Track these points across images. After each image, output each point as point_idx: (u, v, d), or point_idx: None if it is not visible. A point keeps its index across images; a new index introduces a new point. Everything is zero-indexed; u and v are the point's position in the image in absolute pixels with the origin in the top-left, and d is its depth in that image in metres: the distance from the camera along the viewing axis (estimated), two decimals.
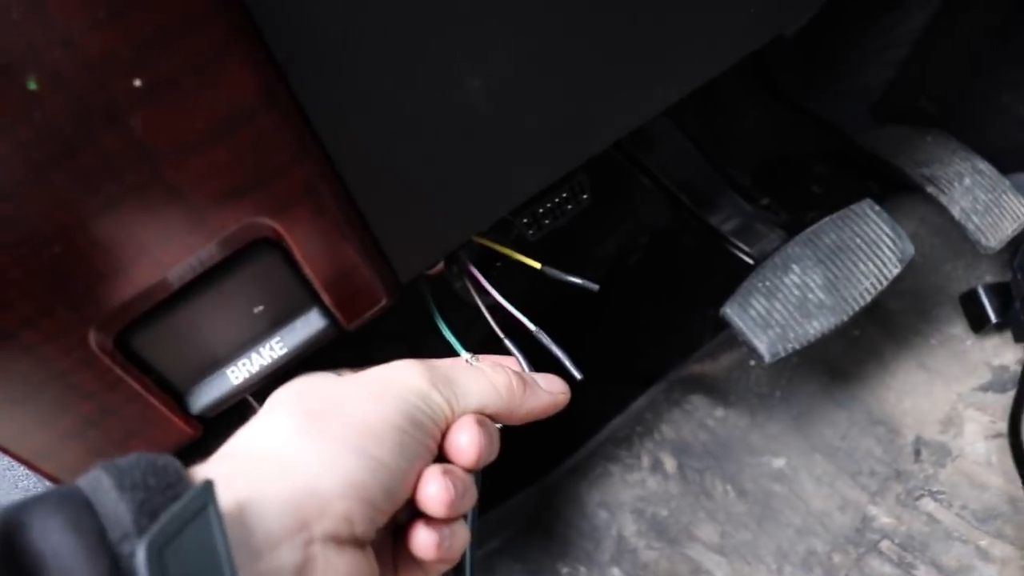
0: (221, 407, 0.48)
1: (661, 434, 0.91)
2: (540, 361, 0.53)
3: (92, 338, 0.40)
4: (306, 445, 0.38)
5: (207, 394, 0.47)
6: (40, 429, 0.43)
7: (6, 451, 0.43)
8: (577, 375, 0.52)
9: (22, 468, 0.55)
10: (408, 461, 0.40)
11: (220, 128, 0.36)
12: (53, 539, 0.28)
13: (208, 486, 0.30)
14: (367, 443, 0.39)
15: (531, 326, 0.53)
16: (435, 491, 0.40)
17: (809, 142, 1.06)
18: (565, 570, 0.85)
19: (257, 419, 0.41)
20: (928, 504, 0.82)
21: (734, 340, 0.96)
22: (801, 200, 1.04)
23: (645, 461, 0.89)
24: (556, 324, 0.57)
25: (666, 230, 1.04)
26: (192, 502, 0.29)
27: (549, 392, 0.49)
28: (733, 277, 0.77)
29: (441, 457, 0.43)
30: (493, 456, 0.44)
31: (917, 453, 0.86)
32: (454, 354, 0.54)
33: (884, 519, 0.82)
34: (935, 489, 0.83)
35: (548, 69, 0.46)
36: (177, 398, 0.47)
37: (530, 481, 0.91)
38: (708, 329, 0.98)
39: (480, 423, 0.44)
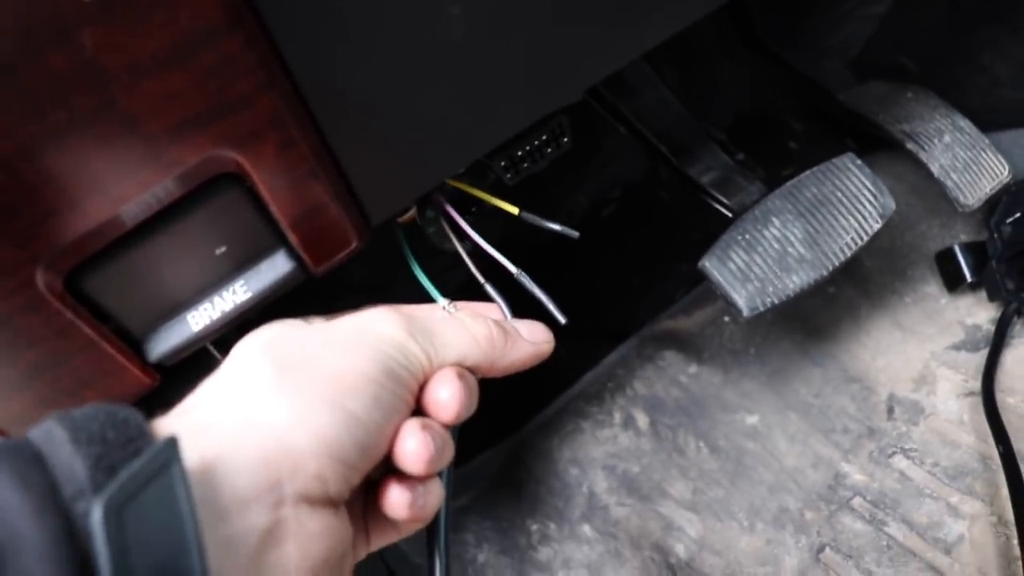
0: (181, 355, 0.45)
1: (633, 390, 0.89)
2: (520, 309, 0.51)
3: (40, 278, 0.37)
4: (277, 399, 0.36)
5: (166, 341, 0.44)
6: None
7: None
8: (561, 319, 0.50)
9: None
10: (384, 415, 0.38)
11: (180, 49, 0.33)
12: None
13: (172, 442, 0.28)
14: (341, 397, 0.36)
15: (512, 268, 0.51)
16: (413, 447, 0.38)
17: (787, 97, 1.04)
18: (535, 527, 0.83)
19: (223, 370, 0.39)
20: (900, 461, 0.82)
21: (708, 296, 0.95)
22: (777, 156, 1.02)
23: (617, 417, 0.88)
24: (530, 275, 0.55)
25: (640, 184, 1.02)
26: (155, 459, 0.27)
27: (532, 342, 0.47)
28: (707, 233, 0.75)
29: (417, 411, 0.41)
30: (472, 410, 0.42)
31: (890, 411, 0.85)
32: (426, 303, 0.51)
33: (856, 476, 0.82)
34: (907, 447, 0.83)
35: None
36: (133, 345, 0.44)
37: (500, 437, 0.89)
38: (682, 285, 0.96)
39: (460, 376, 0.41)
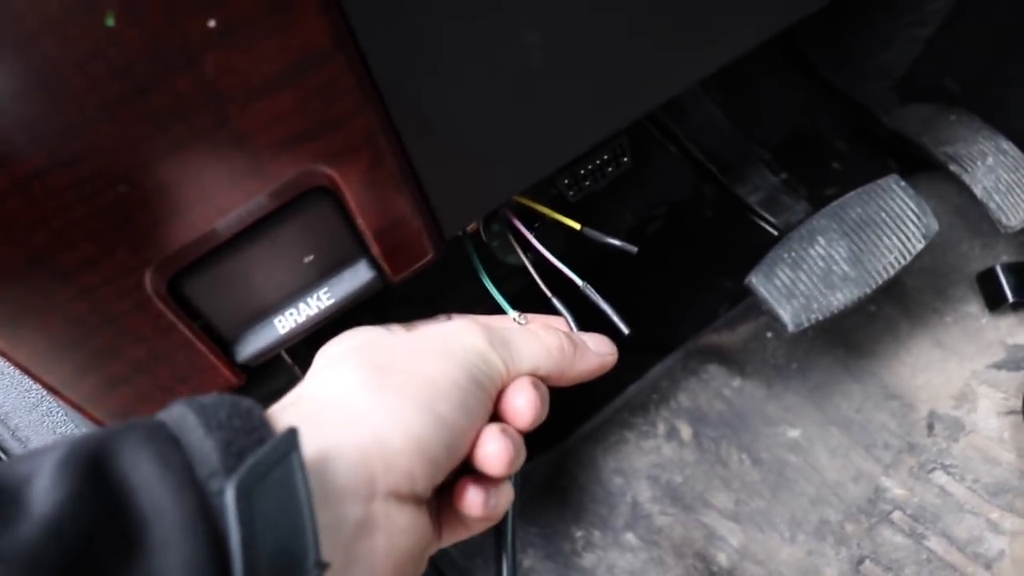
0: (266, 356, 0.48)
1: (677, 402, 0.91)
2: (582, 318, 0.53)
3: (148, 281, 0.40)
4: (373, 398, 0.38)
5: (253, 343, 0.47)
6: (90, 374, 0.43)
7: (58, 394, 0.43)
8: (625, 330, 0.53)
9: (61, 415, 0.55)
10: (469, 420, 0.40)
11: (289, 73, 0.36)
12: (142, 470, 0.28)
13: (293, 433, 0.31)
14: (432, 400, 0.39)
15: (578, 281, 0.54)
16: (495, 450, 0.41)
17: (831, 118, 1.06)
18: (579, 534, 0.85)
19: (319, 370, 0.42)
20: (940, 477, 0.83)
21: (751, 312, 0.97)
22: (821, 176, 1.04)
23: (661, 428, 0.90)
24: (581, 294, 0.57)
25: (684, 202, 1.04)
26: (278, 447, 0.30)
27: (598, 353, 0.49)
28: (750, 250, 0.77)
29: (494, 417, 0.44)
30: (544, 417, 0.45)
31: (930, 427, 0.87)
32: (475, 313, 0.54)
33: (897, 491, 0.83)
34: (948, 463, 0.84)
35: (602, 28, 0.46)
36: (223, 346, 0.47)
37: (545, 447, 0.91)
38: (725, 300, 0.98)
39: (535, 385, 0.44)
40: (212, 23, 0.33)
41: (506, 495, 0.44)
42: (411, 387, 0.39)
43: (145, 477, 0.28)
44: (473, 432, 0.41)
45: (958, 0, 0.95)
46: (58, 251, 0.37)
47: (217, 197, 0.39)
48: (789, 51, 1.04)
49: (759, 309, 0.92)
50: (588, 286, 0.54)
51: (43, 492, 0.27)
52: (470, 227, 0.60)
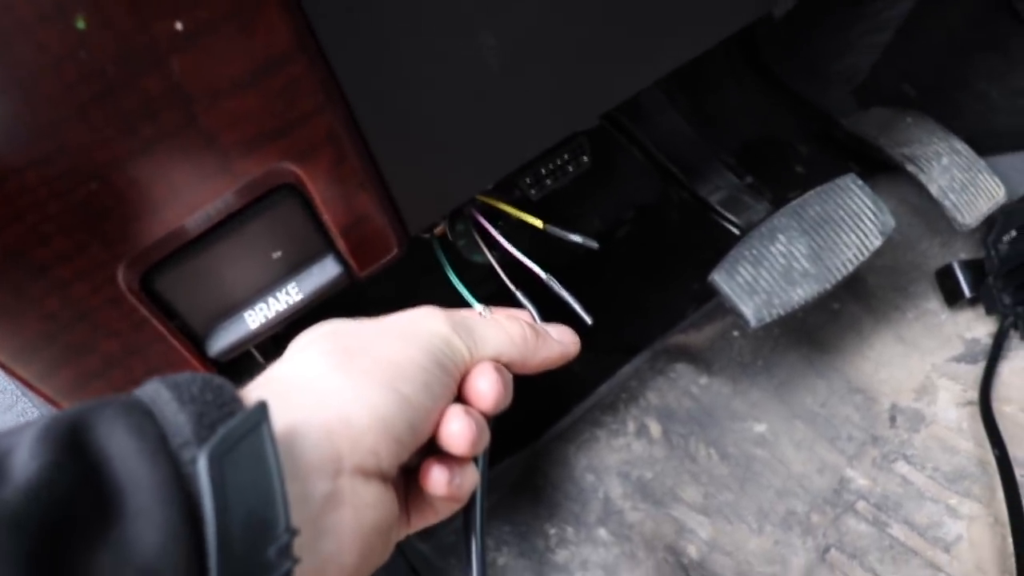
0: (237, 351, 0.49)
1: (646, 400, 0.93)
2: (547, 314, 0.55)
3: (121, 276, 0.42)
4: (340, 379, 0.40)
5: (224, 338, 0.49)
6: (64, 368, 0.44)
7: (33, 388, 0.44)
8: (588, 320, 0.54)
9: (36, 415, 0.56)
10: (432, 400, 0.42)
11: (253, 74, 0.38)
12: (118, 441, 0.30)
13: (263, 406, 0.32)
14: (396, 381, 0.40)
15: (542, 273, 0.55)
16: (458, 428, 0.42)
17: (793, 122, 1.09)
18: (553, 531, 0.87)
19: (290, 354, 0.43)
20: (902, 467, 0.86)
21: (717, 312, 0.99)
22: (784, 179, 1.06)
23: (631, 426, 0.92)
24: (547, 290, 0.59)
25: (652, 206, 1.06)
26: (248, 418, 0.31)
27: (560, 342, 0.51)
28: (716, 252, 0.79)
29: (458, 401, 0.45)
30: (507, 403, 0.46)
31: (892, 420, 0.89)
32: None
33: (860, 481, 0.86)
34: (909, 453, 0.86)
35: (558, 30, 0.48)
36: (195, 341, 0.48)
37: (519, 446, 0.93)
38: (692, 301, 1.00)
39: (498, 369, 0.46)
40: (179, 26, 0.35)
41: (471, 476, 0.45)
42: (376, 369, 0.41)
43: (120, 447, 0.30)
44: (436, 412, 0.43)
45: (913, 7, 0.98)
46: (32, 246, 0.38)
47: (186, 194, 0.41)
48: (751, 58, 1.07)
49: (725, 309, 0.95)
50: (552, 278, 0.56)
51: (23, 462, 0.28)
52: (437, 229, 0.62)
